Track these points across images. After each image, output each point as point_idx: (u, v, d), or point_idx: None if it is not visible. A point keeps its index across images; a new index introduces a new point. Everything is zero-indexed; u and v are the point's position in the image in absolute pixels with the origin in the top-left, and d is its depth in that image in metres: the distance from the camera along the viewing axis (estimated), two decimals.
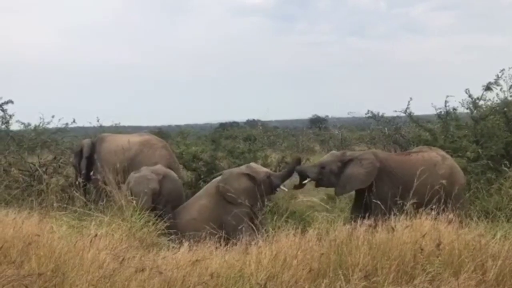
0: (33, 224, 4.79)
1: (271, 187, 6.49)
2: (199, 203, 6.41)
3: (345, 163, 6.74)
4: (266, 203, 6.35)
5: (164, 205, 6.26)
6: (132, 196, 6.01)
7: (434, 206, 5.27)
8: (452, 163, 6.75)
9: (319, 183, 6.89)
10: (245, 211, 6.15)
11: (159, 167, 6.66)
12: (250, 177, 6.39)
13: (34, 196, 7.13)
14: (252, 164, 6.84)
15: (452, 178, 6.45)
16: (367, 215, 6.24)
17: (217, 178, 6.72)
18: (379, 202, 5.98)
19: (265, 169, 6.78)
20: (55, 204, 6.07)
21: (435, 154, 6.75)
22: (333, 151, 7.35)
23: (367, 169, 6.62)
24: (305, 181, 6.75)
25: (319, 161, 7.06)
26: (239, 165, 9.13)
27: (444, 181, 6.02)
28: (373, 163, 6.63)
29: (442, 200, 5.61)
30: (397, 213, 4.99)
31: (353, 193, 7.27)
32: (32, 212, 5.35)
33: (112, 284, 3.55)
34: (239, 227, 5.95)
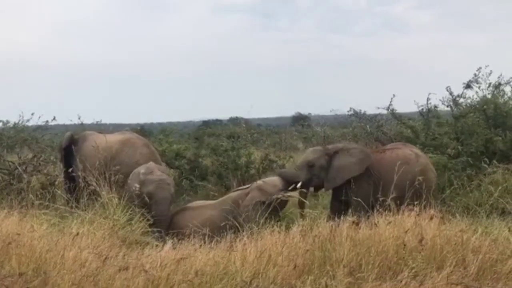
0: (13, 223, 4.71)
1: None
2: (210, 212, 6.27)
3: (331, 155, 6.69)
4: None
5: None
6: (150, 200, 5.99)
7: (412, 202, 5.30)
8: (425, 161, 6.76)
9: (308, 183, 6.67)
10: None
11: (156, 165, 6.59)
12: (266, 204, 6.18)
13: (14, 195, 6.99)
14: (263, 185, 6.44)
15: (424, 175, 6.36)
16: (347, 212, 6.33)
17: (234, 193, 6.58)
18: (359, 199, 6.04)
19: (277, 185, 6.42)
20: (35, 203, 5.97)
21: (409, 152, 6.73)
22: (313, 148, 7.18)
23: (359, 157, 6.60)
24: (298, 186, 6.48)
25: (302, 161, 6.84)
26: (222, 162, 9.14)
27: (421, 178, 6.02)
28: (364, 151, 6.64)
29: (419, 196, 5.67)
30: (377, 210, 5.03)
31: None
32: (11, 211, 5.24)
33: (96, 283, 3.51)
34: (221, 224, 5.92)
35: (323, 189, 7.06)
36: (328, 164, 6.63)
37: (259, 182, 6.64)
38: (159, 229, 5.85)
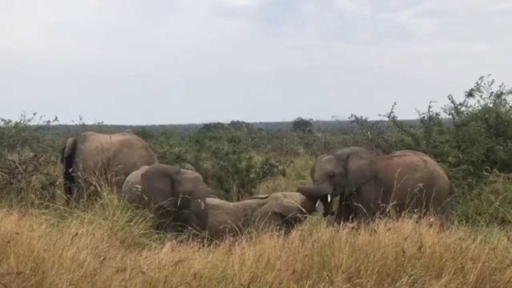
0: (12, 222, 4.68)
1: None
2: (224, 217, 6.25)
3: (344, 160, 6.76)
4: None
5: None
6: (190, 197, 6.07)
7: (413, 209, 5.32)
8: (433, 168, 6.77)
9: (333, 194, 6.65)
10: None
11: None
12: (281, 215, 6.21)
13: (14, 194, 6.99)
14: (282, 197, 6.41)
15: (432, 182, 6.47)
16: (350, 217, 6.33)
17: (252, 201, 6.57)
18: (362, 204, 6.05)
19: (296, 201, 6.34)
20: (35, 202, 5.97)
21: (417, 158, 6.78)
22: (325, 158, 6.93)
23: (369, 158, 6.74)
24: (329, 200, 6.53)
25: (321, 174, 6.67)
26: (223, 166, 9.15)
27: (421, 185, 6.06)
28: (371, 152, 6.94)
29: (424, 203, 5.68)
30: (380, 216, 5.02)
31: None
32: (11, 210, 5.23)
33: (93, 283, 3.50)
34: (221, 227, 5.92)
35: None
36: (345, 169, 6.70)
37: (279, 194, 6.65)
38: (201, 225, 5.87)
